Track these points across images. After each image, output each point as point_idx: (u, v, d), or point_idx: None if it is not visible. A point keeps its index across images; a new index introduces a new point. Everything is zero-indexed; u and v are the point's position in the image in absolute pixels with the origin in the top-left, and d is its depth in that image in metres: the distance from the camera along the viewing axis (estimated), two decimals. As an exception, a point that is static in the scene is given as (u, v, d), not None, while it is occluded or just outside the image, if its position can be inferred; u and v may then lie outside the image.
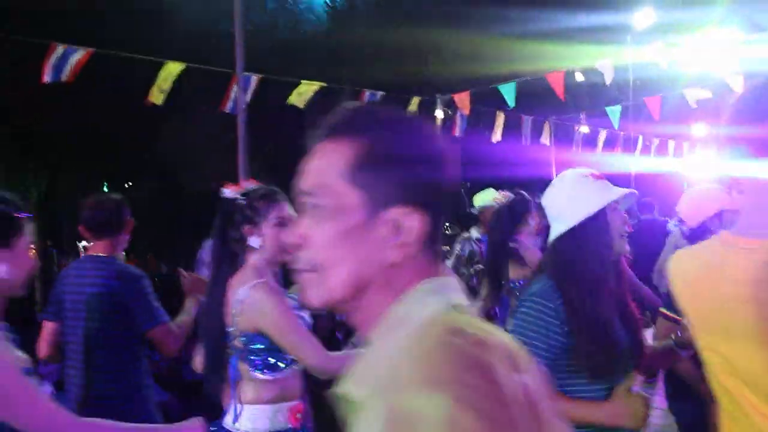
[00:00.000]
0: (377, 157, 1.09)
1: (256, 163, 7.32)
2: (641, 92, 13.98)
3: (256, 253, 3.04)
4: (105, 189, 15.77)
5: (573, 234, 2.50)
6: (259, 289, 2.90)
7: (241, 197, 3.08)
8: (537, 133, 11.21)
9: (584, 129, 12.34)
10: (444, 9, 12.83)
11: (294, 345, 2.89)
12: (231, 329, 2.98)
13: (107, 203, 3.94)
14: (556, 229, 2.57)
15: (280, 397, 2.98)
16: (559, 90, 9.24)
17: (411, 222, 1.08)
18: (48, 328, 3.96)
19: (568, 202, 2.56)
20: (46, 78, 6.37)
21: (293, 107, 8.86)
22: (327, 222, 1.09)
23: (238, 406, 3.00)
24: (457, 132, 9.96)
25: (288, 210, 3.08)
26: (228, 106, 7.63)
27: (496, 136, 10.18)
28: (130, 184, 14.97)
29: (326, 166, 1.11)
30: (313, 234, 1.10)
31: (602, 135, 13.48)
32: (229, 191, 3.13)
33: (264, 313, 2.89)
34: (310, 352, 2.88)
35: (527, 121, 10.54)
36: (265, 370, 2.96)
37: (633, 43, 13.37)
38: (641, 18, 13.76)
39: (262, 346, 2.94)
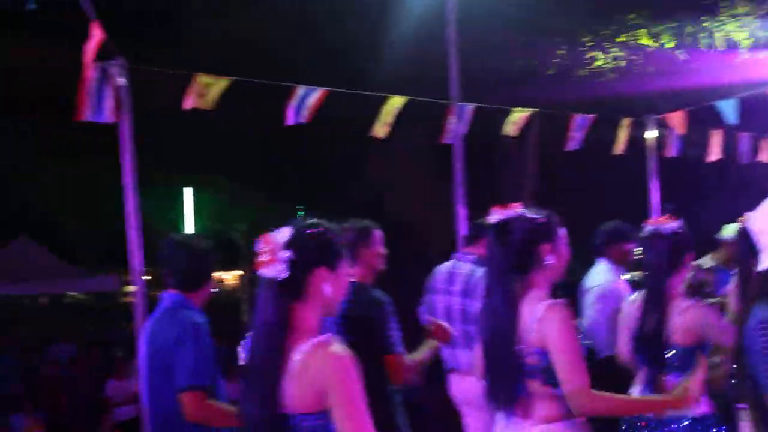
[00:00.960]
0: None
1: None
2: None
3: (543, 271, 3.14)
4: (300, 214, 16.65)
5: None
6: (557, 308, 3.01)
7: (541, 216, 3.15)
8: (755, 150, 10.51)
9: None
10: (643, 24, 12.46)
11: (565, 365, 2.94)
12: (523, 346, 3.06)
13: (352, 230, 4.07)
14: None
15: (570, 414, 3.00)
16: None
17: None
18: None
19: None
20: (289, 121, 6.67)
21: (490, 134, 8.83)
22: None
23: (527, 422, 3.08)
24: (671, 153, 9.56)
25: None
26: (446, 137, 7.75)
27: (713, 155, 9.67)
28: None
29: None
30: None
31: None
32: (507, 212, 3.16)
33: (551, 329, 2.97)
34: (577, 379, 2.92)
35: (745, 138, 9.91)
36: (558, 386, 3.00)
37: None
38: None
39: None
